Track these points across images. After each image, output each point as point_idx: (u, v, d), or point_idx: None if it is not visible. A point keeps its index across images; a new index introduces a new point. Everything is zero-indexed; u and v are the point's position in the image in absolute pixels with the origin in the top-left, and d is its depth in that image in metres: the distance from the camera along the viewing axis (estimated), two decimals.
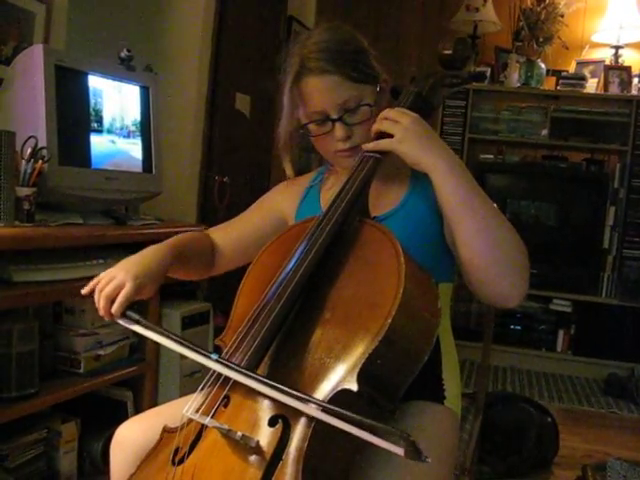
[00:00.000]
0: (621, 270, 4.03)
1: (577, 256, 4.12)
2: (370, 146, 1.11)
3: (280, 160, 1.36)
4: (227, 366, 0.92)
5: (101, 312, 1.07)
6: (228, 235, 1.36)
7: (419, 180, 1.22)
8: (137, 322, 1.05)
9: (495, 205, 1.08)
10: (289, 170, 1.34)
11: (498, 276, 1.05)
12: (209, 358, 0.94)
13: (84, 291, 1.10)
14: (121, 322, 1.06)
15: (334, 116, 1.17)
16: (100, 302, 1.06)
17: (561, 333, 4.07)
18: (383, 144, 1.09)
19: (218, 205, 2.87)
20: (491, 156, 4.35)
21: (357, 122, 1.18)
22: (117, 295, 1.05)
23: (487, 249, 1.04)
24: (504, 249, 1.04)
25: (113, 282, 1.06)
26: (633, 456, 2.61)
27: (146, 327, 1.03)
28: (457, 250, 1.08)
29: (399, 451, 0.79)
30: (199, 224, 2.49)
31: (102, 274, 1.10)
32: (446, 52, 1.25)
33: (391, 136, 1.08)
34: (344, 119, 1.17)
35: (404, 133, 1.07)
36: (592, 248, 4.08)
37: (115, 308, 1.04)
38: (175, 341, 0.99)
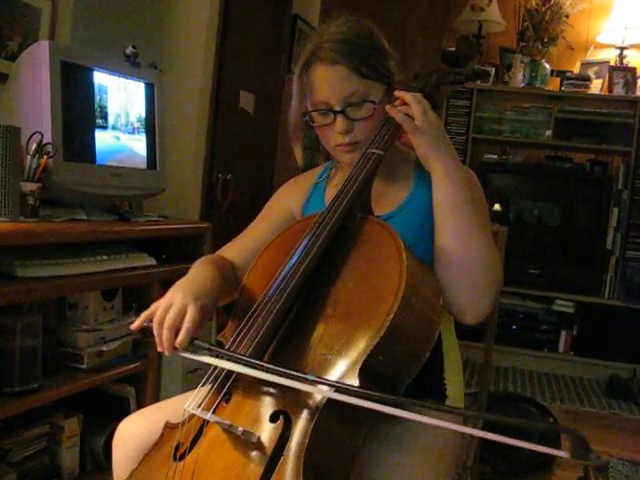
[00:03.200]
0: (624, 271, 4.02)
1: (580, 257, 4.11)
2: (397, 115, 1.11)
3: (281, 160, 1.36)
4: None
5: (164, 346, 0.94)
6: (243, 251, 1.29)
7: (422, 181, 1.23)
8: (208, 350, 0.94)
9: (485, 223, 1.10)
10: (299, 157, 1.33)
11: (461, 288, 1.06)
12: (305, 380, 0.85)
13: (134, 326, 0.98)
14: (186, 355, 0.94)
15: (337, 108, 1.17)
16: (164, 335, 0.93)
17: (563, 334, 4.06)
18: (410, 125, 1.10)
19: (221, 202, 2.88)
20: (495, 156, 4.35)
21: (359, 117, 1.17)
22: (181, 323, 0.94)
23: (459, 258, 1.06)
24: (476, 265, 1.06)
25: (173, 309, 0.95)
26: (634, 457, 2.61)
27: (218, 355, 0.93)
28: (434, 249, 1.10)
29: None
30: (202, 221, 2.49)
31: (154, 304, 0.98)
32: (449, 49, 1.25)
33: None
34: (346, 112, 1.17)
35: (429, 127, 1.09)
36: (595, 249, 4.07)
37: (181, 338, 0.93)
38: (254, 366, 0.89)
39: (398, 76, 1.23)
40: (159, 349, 0.96)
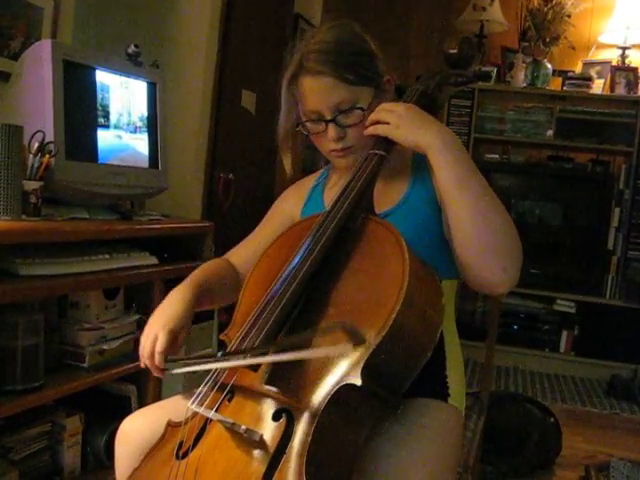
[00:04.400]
0: (625, 271, 4.02)
1: (581, 257, 4.11)
2: (370, 130, 1.14)
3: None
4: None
5: (154, 372, 1.08)
6: (246, 255, 1.34)
7: (419, 176, 1.24)
8: (176, 361, 1.06)
9: (489, 187, 1.07)
10: (288, 166, 1.35)
11: (489, 259, 1.04)
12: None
13: (143, 365, 1.10)
14: (172, 371, 1.07)
15: (328, 117, 1.19)
16: (147, 363, 1.08)
17: (564, 334, 4.06)
18: (381, 129, 1.12)
19: (223, 201, 2.88)
20: (496, 156, 4.34)
21: (350, 124, 1.19)
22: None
23: (479, 230, 1.04)
24: (497, 232, 1.04)
25: (148, 340, 1.07)
26: (635, 457, 2.61)
27: (188, 363, 1.04)
28: (450, 231, 1.09)
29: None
30: (204, 220, 2.50)
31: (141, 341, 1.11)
32: (451, 51, 1.26)
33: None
34: (337, 120, 1.19)
35: (398, 120, 1.10)
36: (596, 249, 4.07)
37: (156, 361, 1.05)
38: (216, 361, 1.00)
39: (387, 75, 1.24)
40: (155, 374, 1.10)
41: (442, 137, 1.07)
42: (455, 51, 1.25)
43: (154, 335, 1.06)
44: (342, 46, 1.18)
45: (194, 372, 1.04)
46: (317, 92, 1.18)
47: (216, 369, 1.02)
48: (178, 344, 1.09)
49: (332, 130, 1.19)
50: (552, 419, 2.62)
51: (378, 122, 1.12)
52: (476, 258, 1.05)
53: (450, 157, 1.06)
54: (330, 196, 1.26)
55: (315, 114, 1.20)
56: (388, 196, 1.23)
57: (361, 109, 1.18)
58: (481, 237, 1.04)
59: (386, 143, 1.13)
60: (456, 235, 1.07)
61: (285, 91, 1.24)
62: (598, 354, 3.97)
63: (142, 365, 1.10)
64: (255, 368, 0.94)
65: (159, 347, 1.05)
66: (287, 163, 1.35)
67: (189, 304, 1.13)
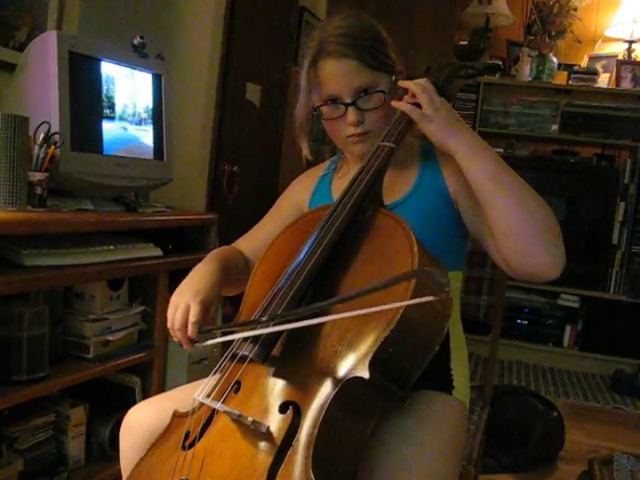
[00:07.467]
0: (630, 266, 4.02)
1: (586, 251, 4.10)
2: (403, 106, 1.12)
3: (287, 152, 1.36)
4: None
5: (185, 344, 1.05)
6: (255, 243, 1.33)
7: (428, 167, 1.24)
8: (210, 331, 1.02)
9: (522, 179, 1.06)
10: (306, 150, 1.34)
11: (535, 247, 1.02)
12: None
13: (176, 339, 1.06)
14: (204, 344, 1.03)
15: (348, 100, 1.18)
16: (177, 335, 1.04)
17: (568, 328, 4.07)
18: (416, 114, 1.10)
19: (227, 194, 2.88)
20: (501, 150, 4.33)
21: (370, 108, 1.19)
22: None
23: (522, 221, 1.03)
24: (538, 219, 1.03)
25: (179, 310, 1.04)
26: (638, 452, 2.61)
27: (226, 332, 1.00)
28: (492, 228, 1.07)
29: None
30: (208, 212, 2.50)
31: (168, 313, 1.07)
32: (462, 43, 1.25)
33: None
34: (357, 104, 1.18)
35: (435, 113, 1.09)
36: (601, 244, 4.06)
37: (190, 332, 1.02)
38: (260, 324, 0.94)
39: (399, 66, 1.24)
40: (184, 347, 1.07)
41: (471, 140, 1.08)
42: (465, 42, 1.24)
43: (185, 305, 1.03)
44: (362, 32, 1.18)
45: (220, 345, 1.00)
46: (339, 75, 1.17)
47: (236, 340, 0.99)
48: (209, 317, 1.06)
49: (352, 114, 1.18)
50: (555, 413, 2.62)
51: (414, 96, 1.12)
52: (523, 248, 1.04)
53: (480, 158, 1.07)
54: (338, 187, 1.26)
55: (334, 98, 1.20)
56: (396, 187, 1.23)
57: (382, 92, 1.18)
58: (524, 227, 1.03)
59: (397, 135, 1.13)
60: (499, 230, 1.05)
61: (304, 75, 1.22)
62: (602, 349, 3.97)
63: (175, 338, 1.05)
64: (262, 360, 0.93)
65: (193, 317, 1.01)
66: (305, 148, 1.34)
67: (218, 276, 1.12)
